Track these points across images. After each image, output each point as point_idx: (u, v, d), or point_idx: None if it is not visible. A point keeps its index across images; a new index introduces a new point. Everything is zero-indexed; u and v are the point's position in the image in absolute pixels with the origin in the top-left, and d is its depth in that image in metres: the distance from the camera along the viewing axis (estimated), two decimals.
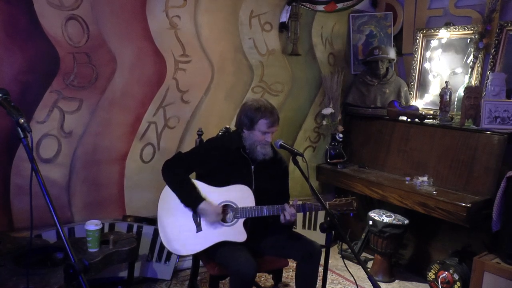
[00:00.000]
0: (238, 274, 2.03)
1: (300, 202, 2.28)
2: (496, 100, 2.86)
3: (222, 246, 2.19)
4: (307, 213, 3.62)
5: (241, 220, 2.23)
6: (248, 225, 2.27)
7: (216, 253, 2.21)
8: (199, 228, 2.24)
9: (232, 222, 2.24)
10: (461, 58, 3.32)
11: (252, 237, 2.27)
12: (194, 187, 2.26)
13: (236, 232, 2.22)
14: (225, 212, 2.26)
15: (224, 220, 2.25)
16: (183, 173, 2.29)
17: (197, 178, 2.35)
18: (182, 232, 2.23)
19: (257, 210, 2.22)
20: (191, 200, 2.22)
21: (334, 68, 3.74)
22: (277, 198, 2.34)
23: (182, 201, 2.24)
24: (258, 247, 2.34)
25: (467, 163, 2.89)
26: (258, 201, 2.26)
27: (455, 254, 2.92)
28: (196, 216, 2.25)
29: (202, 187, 2.28)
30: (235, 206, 2.25)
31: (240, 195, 2.26)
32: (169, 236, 2.23)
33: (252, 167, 2.34)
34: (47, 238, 2.56)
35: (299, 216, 3.61)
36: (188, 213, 2.26)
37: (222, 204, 2.26)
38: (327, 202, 2.20)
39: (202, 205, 2.18)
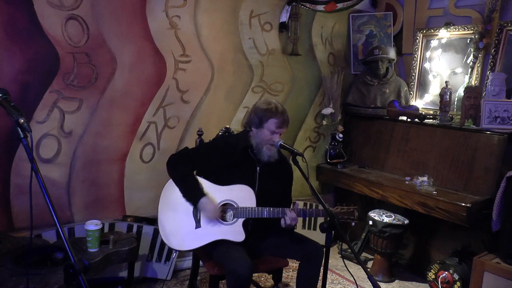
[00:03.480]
0: (234, 274, 2.03)
1: (300, 207, 2.27)
2: (496, 100, 2.86)
3: (219, 245, 2.20)
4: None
5: (241, 220, 2.23)
6: (248, 226, 2.27)
7: (213, 251, 2.21)
8: (198, 225, 2.24)
9: (232, 221, 2.24)
10: (461, 58, 3.32)
11: (252, 238, 2.27)
12: (197, 183, 2.26)
13: (234, 232, 2.22)
14: (225, 211, 2.26)
15: (223, 219, 2.25)
16: (188, 168, 2.29)
17: (201, 176, 2.36)
18: (181, 228, 2.24)
19: (258, 211, 2.22)
20: (193, 194, 2.22)
21: (334, 68, 3.74)
22: (279, 201, 2.33)
23: (184, 195, 2.25)
24: (257, 248, 2.34)
25: (467, 163, 2.89)
26: (260, 203, 2.25)
27: (455, 254, 2.92)
28: (196, 212, 2.26)
29: (205, 184, 2.29)
30: (235, 206, 2.25)
31: (242, 195, 2.26)
32: (168, 231, 2.24)
33: (258, 168, 2.34)
34: (47, 238, 2.56)
35: None
36: (189, 209, 2.26)
37: (223, 202, 2.26)
38: (329, 209, 2.19)
39: (202, 200, 2.19)
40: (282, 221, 2.21)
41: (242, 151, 2.31)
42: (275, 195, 2.34)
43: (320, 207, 2.18)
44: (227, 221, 2.25)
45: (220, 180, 2.29)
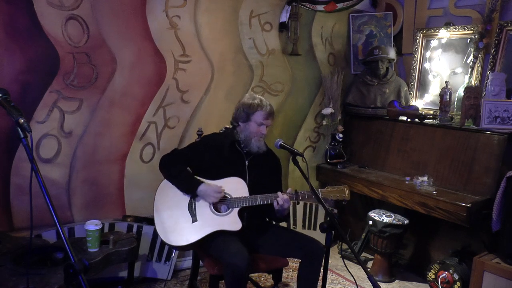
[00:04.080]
0: (231, 266, 2.04)
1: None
2: (496, 100, 2.86)
3: (216, 238, 2.22)
4: (307, 211, 3.62)
5: (236, 210, 2.28)
6: (244, 216, 2.31)
7: (210, 245, 2.24)
8: (194, 219, 2.27)
9: (227, 212, 2.28)
10: (461, 58, 3.32)
11: (249, 230, 2.31)
12: (192, 175, 2.34)
13: (231, 221, 2.26)
14: (220, 203, 2.30)
15: (218, 211, 2.29)
16: (180, 167, 2.36)
17: (193, 174, 2.40)
18: (178, 224, 2.26)
19: (251, 199, 2.28)
20: (190, 184, 2.28)
21: (334, 68, 3.74)
22: (270, 191, 2.36)
23: (181, 189, 2.31)
24: (256, 243, 2.37)
25: (467, 163, 2.89)
26: (252, 194, 2.30)
27: (455, 254, 2.92)
28: (192, 206, 2.29)
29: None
30: (229, 197, 2.29)
31: (235, 187, 2.31)
32: (165, 229, 2.26)
33: (246, 161, 2.40)
34: (47, 238, 2.56)
35: (299, 216, 3.60)
36: (184, 205, 2.30)
37: None
38: (319, 190, 2.25)
39: (201, 187, 2.25)
40: (275, 203, 2.26)
41: (229, 146, 2.38)
42: (266, 186, 2.37)
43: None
44: (222, 212, 2.29)
45: (212, 176, 2.34)
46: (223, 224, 2.25)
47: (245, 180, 2.35)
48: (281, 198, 2.25)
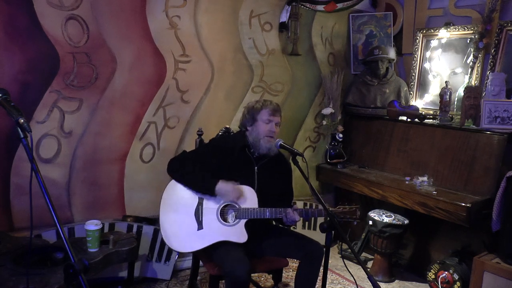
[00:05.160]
0: (231, 276, 2.03)
1: (300, 207, 2.28)
2: (496, 100, 2.86)
3: (219, 246, 2.19)
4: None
5: (243, 221, 2.23)
6: (249, 225, 2.27)
7: (213, 252, 2.22)
8: (200, 226, 2.24)
9: (234, 223, 2.24)
10: (461, 58, 3.32)
11: (253, 239, 2.27)
12: (206, 174, 2.26)
13: (237, 233, 2.22)
14: (227, 212, 2.26)
15: (225, 220, 2.25)
16: (191, 168, 2.30)
17: None
18: (183, 229, 2.23)
19: (260, 212, 2.22)
20: (207, 184, 2.22)
21: (334, 68, 3.74)
22: (280, 198, 2.34)
23: (198, 190, 2.25)
24: (258, 248, 2.34)
25: (467, 163, 2.89)
26: (261, 202, 2.26)
27: (455, 254, 2.92)
28: (198, 213, 2.26)
29: None
30: (237, 207, 2.25)
31: (244, 196, 2.26)
32: (169, 232, 2.23)
33: (255, 167, 2.35)
34: (47, 238, 2.56)
35: None
36: (190, 210, 2.26)
37: (224, 204, 2.27)
38: (330, 209, 2.19)
39: (219, 185, 2.20)
40: (284, 217, 2.23)
41: (239, 151, 2.33)
42: (274, 193, 2.34)
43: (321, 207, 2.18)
44: (229, 222, 2.25)
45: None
46: (229, 235, 2.21)
47: (253, 186, 2.30)
48: (291, 218, 2.21)
